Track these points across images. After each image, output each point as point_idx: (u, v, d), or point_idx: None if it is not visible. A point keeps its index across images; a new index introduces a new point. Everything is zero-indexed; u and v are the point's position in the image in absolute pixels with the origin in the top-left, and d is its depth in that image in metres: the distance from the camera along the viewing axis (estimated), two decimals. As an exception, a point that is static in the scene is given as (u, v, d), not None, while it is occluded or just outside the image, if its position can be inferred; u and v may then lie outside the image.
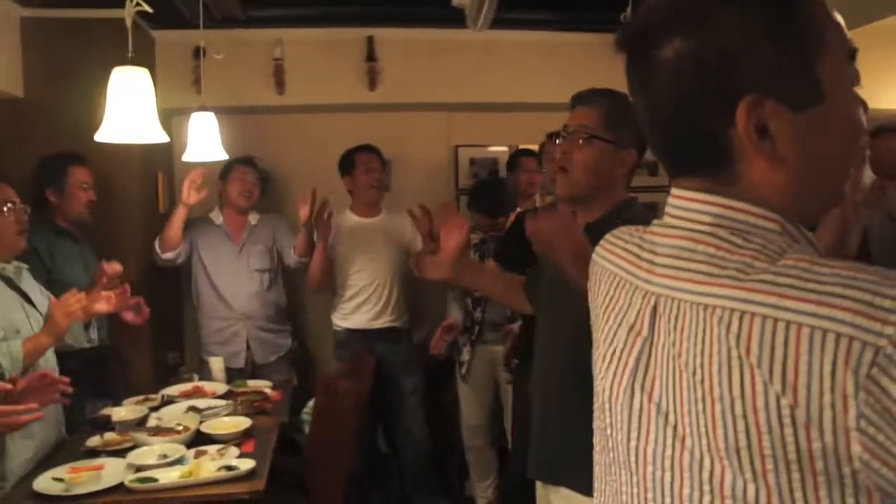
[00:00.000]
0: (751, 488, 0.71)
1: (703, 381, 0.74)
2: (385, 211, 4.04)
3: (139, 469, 2.42)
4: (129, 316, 2.93)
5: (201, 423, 2.80)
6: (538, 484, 2.00)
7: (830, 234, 1.32)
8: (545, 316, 2.01)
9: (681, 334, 0.78)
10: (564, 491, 1.82)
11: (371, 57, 4.22)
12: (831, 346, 0.66)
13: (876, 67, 3.52)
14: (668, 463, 0.80)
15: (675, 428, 0.79)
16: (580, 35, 4.24)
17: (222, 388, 3.34)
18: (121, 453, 2.57)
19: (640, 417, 0.85)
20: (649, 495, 0.83)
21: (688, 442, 0.77)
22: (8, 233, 2.61)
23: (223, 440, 2.68)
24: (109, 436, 2.69)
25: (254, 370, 3.87)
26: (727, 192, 0.80)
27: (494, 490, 3.93)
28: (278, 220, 4.10)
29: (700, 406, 0.75)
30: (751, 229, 0.78)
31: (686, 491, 0.77)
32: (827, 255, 0.78)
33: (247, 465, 2.42)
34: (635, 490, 0.85)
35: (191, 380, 3.43)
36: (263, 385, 3.40)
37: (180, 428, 2.72)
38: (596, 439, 0.97)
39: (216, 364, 3.53)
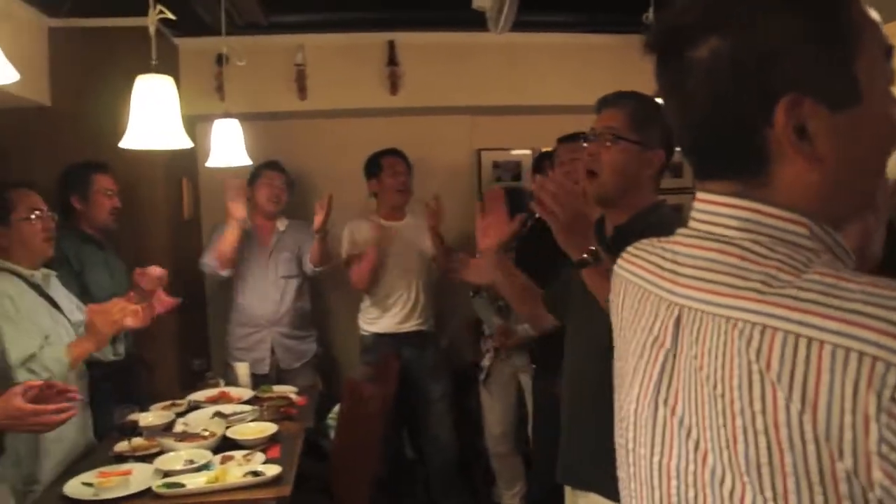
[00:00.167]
0: None
1: (723, 395, 0.73)
2: (410, 214, 4.04)
3: (166, 474, 2.43)
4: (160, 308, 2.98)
5: (227, 428, 2.80)
6: (567, 489, 1.99)
7: (850, 242, 1.29)
8: (575, 321, 1.99)
9: (702, 347, 0.77)
10: (594, 496, 1.80)
11: (392, 61, 4.23)
12: (854, 365, 0.64)
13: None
14: (691, 479, 0.78)
15: (696, 443, 0.77)
16: (602, 37, 4.22)
17: (248, 393, 3.35)
18: (148, 458, 2.58)
19: (663, 432, 0.83)
20: None
21: (709, 459, 0.75)
22: (36, 240, 2.64)
23: (249, 446, 2.68)
24: (137, 441, 2.70)
25: (279, 375, 3.87)
26: (756, 196, 0.78)
27: (522, 499, 3.90)
28: (305, 227, 4.10)
29: (721, 420, 0.73)
30: (778, 235, 0.76)
31: None
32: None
33: (273, 470, 2.42)
34: None
35: (217, 385, 3.44)
36: (289, 390, 3.41)
37: (207, 433, 2.73)
38: (618, 455, 0.95)
39: (242, 369, 3.54)
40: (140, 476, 2.42)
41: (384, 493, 3.76)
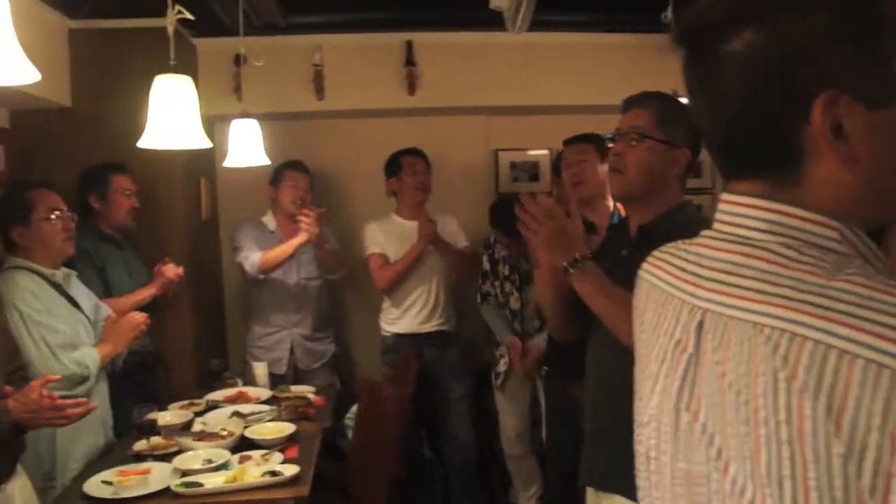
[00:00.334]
0: None
1: (747, 402, 0.70)
2: (429, 214, 4.03)
3: (185, 474, 2.43)
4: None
5: (245, 428, 2.81)
6: (589, 491, 1.97)
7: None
8: (597, 329, 1.97)
9: (726, 353, 0.74)
10: (618, 499, 1.78)
11: (410, 61, 4.22)
12: (886, 382, 0.61)
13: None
14: (715, 486, 0.76)
15: (719, 451, 0.75)
16: (619, 36, 4.20)
17: (266, 393, 3.36)
18: (166, 457, 2.59)
19: (687, 439, 0.80)
20: None
21: (731, 468, 0.72)
22: (56, 240, 2.66)
23: (267, 445, 2.69)
24: (155, 440, 2.71)
25: (296, 375, 3.88)
26: (784, 198, 0.76)
27: (538, 500, 3.88)
28: (324, 229, 4.10)
29: (743, 429, 0.70)
30: (807, 238, 0.74)
31: None
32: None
33: (291, 470, 2.42)
34: None
35: (235, 385, 3.45)
36: (307, 390, 3.41)
37: (225, 433, 2.73)
38: (638, 461, 0.93)
39: (260, 369, 3.54)
40: (159, 475, 2.43)
41: (401, 494, 3.76)
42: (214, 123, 3.77)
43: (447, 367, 3.94)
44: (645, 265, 0.98)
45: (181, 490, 2.31)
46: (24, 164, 3.45)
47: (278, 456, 2.58)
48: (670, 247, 0.94)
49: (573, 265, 1.79)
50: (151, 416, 2.86)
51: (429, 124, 4.46)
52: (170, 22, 2.37)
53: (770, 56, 0.74)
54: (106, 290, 3.16)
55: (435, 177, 4.06)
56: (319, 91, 4.18)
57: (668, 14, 2.98)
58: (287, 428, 2.81)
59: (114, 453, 2.72)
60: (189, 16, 2.39)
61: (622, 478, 1.72)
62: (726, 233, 0.81)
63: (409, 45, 4.22)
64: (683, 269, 0.86)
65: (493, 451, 4.08)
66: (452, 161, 4.48)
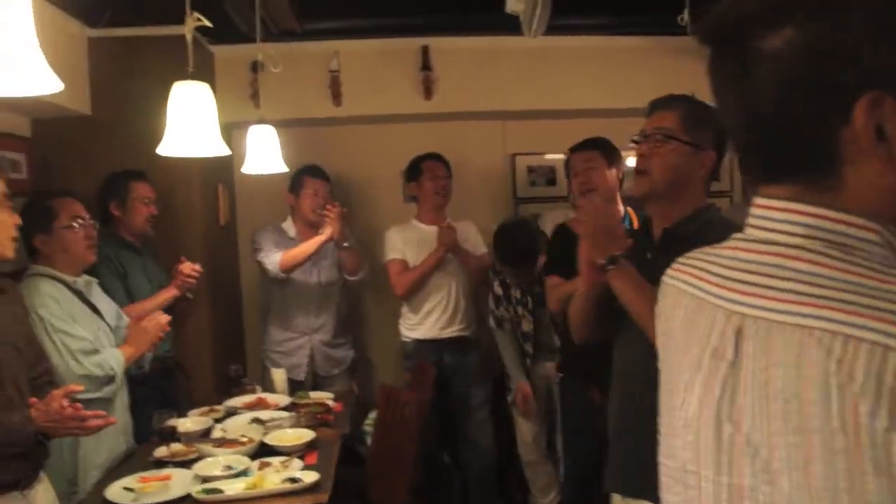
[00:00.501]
0: None
1: (798, 410, 0.67)
2: (449, 219, 4.02)
3: (205, 480, 2.44)
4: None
5: (265, 434, 2.81)
6: (615, 497, 1.95)
7: None
8: (627, 328, 1.96)
9: (770, 358, 0.71)
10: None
11: (426, 66, 4.23)
12: None
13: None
14: (763, 499, 0.72)
15: (767, 463, 0.71)
16: (635, 39, 4.18)
17: (285, 399, 3.36)
18: (186, 464, 2.59)
19: (730, 451, 0.77)
20: None
21: (781, 480, 0.69)
22: (78, 247, 2.68)
23: (287, 452, 2.69)
24: (175, 446, 2.72)
25: (315, 381, 3.88)
26: (819, 201, 0.74)
27: None
28: (345, 229, 4.08)
29: (794, 439, 0.67)
30: (847, 241, 0.72)
31: None
32: None
33: (311, 477, 2.41)
34: None
35: (254, 391, 3.45)
36: (325, 397, 3.41)
37: (244, 440, 2.74)
38: (666, 475, 0.89)
39: (279, 375, 3.55)
40: (179, 481, 2.44)
41: (420, 500, 3.75)
42: (232, 130, 3.78)
43: (468, 373, 3.92)
44: (670, 271, 0.96)
45: (202, 497, 2.32)
46: (45, 173, 3.48)
47: (298, 462, 2.58)
48: (698, 252, 0.91)
49: (612, 262, 1.83)
50: (171, 422, 2.87)
51: (445, 129, 4.46)
52: (188, 29, 2.38)
53: (810, 54, 0.72)
54: (129, 297, 3.19)
55: (453, 181, 4.06)
56: (336, 97, 4.19)
57: (685, 16, 2.96)
58: (306, 434, 2.80)
59: (135, 459, 2.73)
60: (207, 23, 2.39)
61: (651, 483, 1.71)
62: (762, 237, 0.78)
63: (424, 50, 4.22)
64: (717, 274, 0.83)
65: (511, 457, 4.06)
66: (469, 166, 4.48)
